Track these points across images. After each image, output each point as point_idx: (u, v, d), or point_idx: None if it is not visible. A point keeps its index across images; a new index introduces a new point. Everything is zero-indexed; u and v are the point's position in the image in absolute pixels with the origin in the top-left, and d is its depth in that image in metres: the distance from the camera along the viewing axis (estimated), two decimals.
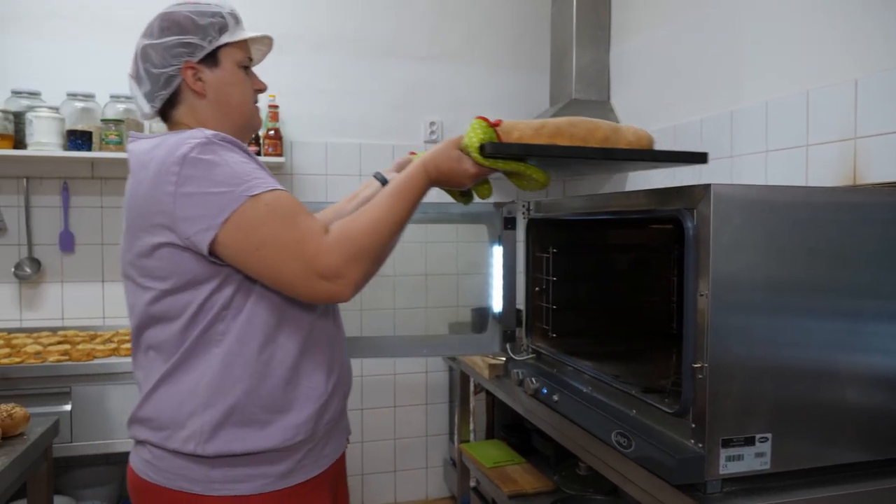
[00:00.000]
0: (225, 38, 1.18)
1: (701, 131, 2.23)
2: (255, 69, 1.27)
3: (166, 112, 1.20)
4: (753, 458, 1.15)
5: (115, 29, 2.66)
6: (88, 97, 2.54)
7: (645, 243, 1.94)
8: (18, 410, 1.67)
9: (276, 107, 2.77)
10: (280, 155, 2.76)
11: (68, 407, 2.20)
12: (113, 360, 2.27)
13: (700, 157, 1.30)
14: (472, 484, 2.76)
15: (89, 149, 2.50)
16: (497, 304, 1.81)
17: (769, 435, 1.15)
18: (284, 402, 1.11)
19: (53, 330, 2.61)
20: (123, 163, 2.56)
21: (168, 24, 1.15)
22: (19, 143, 2.43)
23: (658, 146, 1.34)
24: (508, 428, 2.73)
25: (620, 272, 2.02)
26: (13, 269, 2.62)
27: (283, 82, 2.74)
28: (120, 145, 2.51)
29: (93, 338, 2.49)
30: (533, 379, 1.67)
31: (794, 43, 1.85)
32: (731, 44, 2.10)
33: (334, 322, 1.23)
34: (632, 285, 1.97)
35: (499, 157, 1.16)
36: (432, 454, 3.20)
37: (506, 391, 2.06)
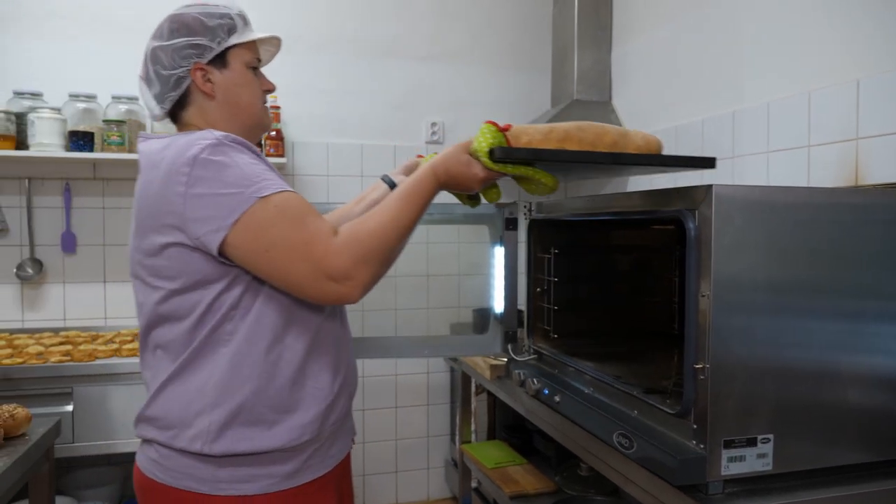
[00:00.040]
0: (234, 39, 1.18)
1: (702, 132, 2.23)
2: (264, 70, 1.28)
3: (176, 113, 1.21)
4: (755, 459, 1.15)
5: (115, 29, 2.66)
6: (90, 98, 2.54)
7: (646, 244, 1.94)
8: (20, 411, 1.67)
9: (278, 107, 2.77)
10: (282, 155, 2.76)
11: (70, 407, 2.19)
12: (115, 360, 2.26)
13: (708, 163, 1.30)
14: (474, 485, 2.76)
15: (91, 149, 2.50)
16: (498, 305, 1.81)
17: (771, 436, 1.15)
18: (291, 402, 1.11)
19: (55, 331, 2.61)
20: (125, 164, 2.57)
21: (177, 25, 1.16)
22: (21, 143, 2.43)
23: None
24: (510, 429, 2.73)
25: (622, 273, 2.02)
26: (15, 270, 2.62)
27: (283, 82, 2.71)
28: (122, 146, 2.51)
29: (94, 338, 2.49)
30: (534, 380, 1.67)
31: (795, 43, 1.85)
32: (733, 44, 2.11)
33: (341, 323, 1.24)
34: (633, 286, 1.97)
35: (508, 162, 1.17)
36: (434, 455, 3.20)
37: (507, 392, 2.06)
